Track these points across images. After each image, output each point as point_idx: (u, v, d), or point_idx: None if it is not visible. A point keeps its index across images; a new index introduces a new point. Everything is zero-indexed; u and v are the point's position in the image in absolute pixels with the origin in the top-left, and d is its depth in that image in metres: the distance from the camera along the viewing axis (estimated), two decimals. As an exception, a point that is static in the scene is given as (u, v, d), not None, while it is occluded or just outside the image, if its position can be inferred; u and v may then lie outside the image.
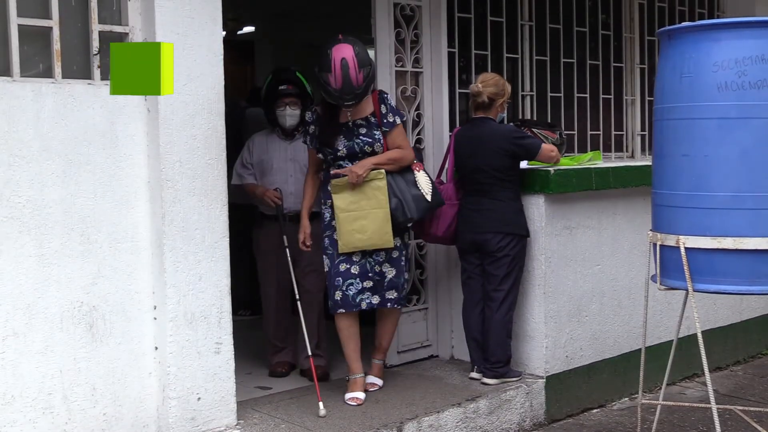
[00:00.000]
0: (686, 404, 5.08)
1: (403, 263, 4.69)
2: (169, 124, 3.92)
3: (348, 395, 4.64)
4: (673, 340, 4.27)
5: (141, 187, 3.94)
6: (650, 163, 4.12)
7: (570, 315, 5.14)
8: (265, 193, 5.11)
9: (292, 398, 4.75)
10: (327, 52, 4.37)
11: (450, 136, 5.13)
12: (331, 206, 4.55)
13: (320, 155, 4.62)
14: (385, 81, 5.21)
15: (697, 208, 3.71)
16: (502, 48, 5.91)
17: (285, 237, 5.01)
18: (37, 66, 3.75)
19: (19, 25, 3.65)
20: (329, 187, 4.57)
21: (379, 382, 4.86)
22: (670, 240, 3.79)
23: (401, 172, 4.59)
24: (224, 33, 4.23)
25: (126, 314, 3.91)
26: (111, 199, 3.85)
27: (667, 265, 3.86)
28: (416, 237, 5.31)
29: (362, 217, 4.49)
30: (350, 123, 4.55)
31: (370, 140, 4.54)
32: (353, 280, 4.55)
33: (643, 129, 6.94)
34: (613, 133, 6.78)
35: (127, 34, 3.93)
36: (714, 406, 3.76)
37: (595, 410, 5.30)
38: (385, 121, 4.56)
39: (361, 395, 4.64)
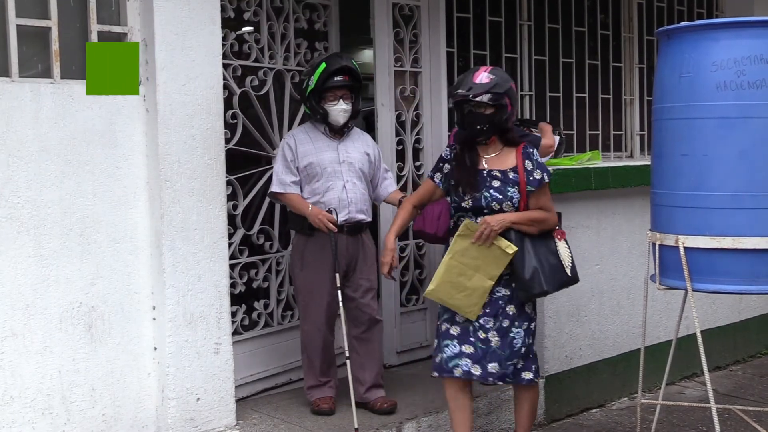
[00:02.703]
0: (686, 404, 5.08)
1: (516, 336, 3.97)
2: (167, 124, 3.91)
3: None
4: (672, 340, 4.27)
5: (140, 187, 3.94)
6: (649, 163, 4.12)
7: (569, 315, 5.14)
8: (319, 215, 4.37)
9: (292, 398, 4.75)
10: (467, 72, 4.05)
11: (449, 135, 5.13)
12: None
13: (448, 198, 4.09)
14: (384, 81, 5.21)
15: (697, 208, 3.71)
16: (500, 48, 5.91)
17: (338, 275, 4.39)
18: (35, 66, 3.75)
19: (17, 25, 3.64)
20: (452, 225, 4.07)
21: None
22: (670, 240, 3.79)
23: (542, 236, 3.97)
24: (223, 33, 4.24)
25: (125, 314, 3.91)
26: (110, 200, 3.85)
27: (666, 264, 3.86)
28: (415, 237, 5.31)
29: (467, 276, 3.92)
30: (485, 172, 3.98)
31: (501, 197, 3.91)
32: (450, 342, 3.97)
33: (642, 129, 6.95)
34: (612, 132, 6.79)
35: (125, 34, 3.92)
36: (713, 406, 3.76)
37: (594, 410, 5.29)
38: (531, 178, 3.95)
39: None
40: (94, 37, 3.84)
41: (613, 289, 5.40)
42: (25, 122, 3.61)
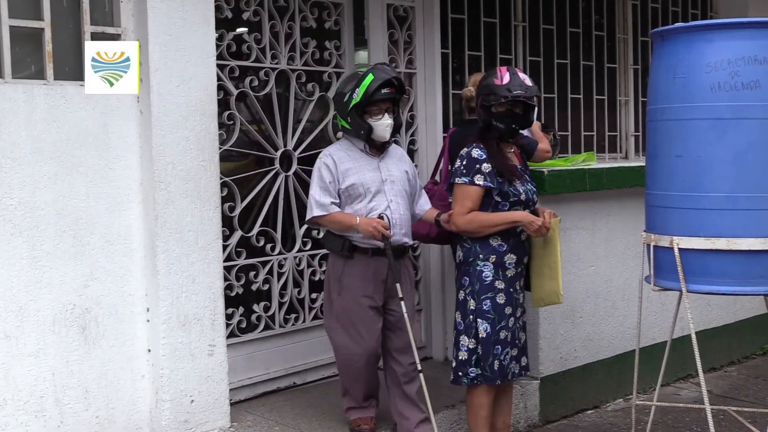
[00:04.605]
0: (680, 405, 5.08)
1: (525, 323, 4.25)
2: (161, 125, 3.90)
3: None
4: (667, 341, 4.27)
5: (134, 188, 3.93)
6: (644, 164, 4.13)
7: (564, 316, 5.13)
8: (371, 224, 3.99)
9: (286, 400, 4.74)
10: (492, 70, 4.10)
11: (444, 137, 5.12)
12: (495, 263, 4.00)
13: (498, 197, 3.99)
14: (379, 82, 5.19)
15: (691, 209, 3.71)
16: (495, 49, 5.91)
17: (398, 286, 4.06)
18: (29, 67, 3.74)
19: (10, 26, 3.63)
20: (522, 228, 4.00)
21: None
22: (664, 241, 3.79)
23: None
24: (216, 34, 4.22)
25: (119, 316, 3.90)
26: (104, 201, 3.84)
27: (660, 265, 3.86)
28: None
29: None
30: (519, 167, 4.14)
31: (535, 189, 4.17)
32: (508, 348, 4.06)
33: (636, 130, 6.95)
34: (607, 133, 6.80)
35: (119, 35, 3.92)
36: (708, 407, 3.76)
37: (589, 411, 5.30)
38: (531, 174, 4.26)
39: None
40: (87, 38, 3.82)
41: (608, 291, 5.40)
42: (19, 124, 3.59)
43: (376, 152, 4.18)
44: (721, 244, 3.63)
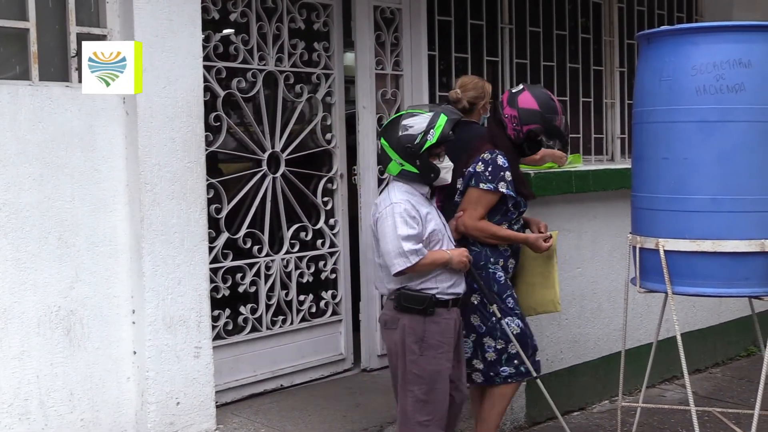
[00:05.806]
0: (666, 406, 5.09)
1: None
2: (147, 126, 3.89)
3: None
4: (652, 343, 4.28)
5: (119, 190, 3.92)
6: (630, 166, 4.14)
7: (550, 318, 5.13)
8: (462, 255, 3.75)
9: (273, 402, 4.73)
10: (550, 97, 4.05)
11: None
12: (503, 267, 4.03)
13: (512, 207, 4.02)
14: (365, 84, 5.20)
15: (677, 211, 3.73)
16: (482, 51, 5.92)
17: (495, 306, 3.97)
18: (13, 68, 3.73)
19: (-5, 26, 3.63)
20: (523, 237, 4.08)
21: None
22: (650, 243, 3.80)
23: None
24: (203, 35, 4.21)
25: (104, 318, 3.88)
26: (89, 203, 3.82)
27: (646, 267, 3.87)
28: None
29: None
30: None
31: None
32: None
33: (622, 132, 6.98)
34: (593, 136, 6.82)
35: (105, 36, 3.91)
36: (693, 408, 3.77)
37: (575, 413, 5.30)
38: None
39: None
40: (73, 39, 3.81)
41: (594, 293, 5.41)
42: (3, 125, 3.57)
43: (430, 198, 3.90)
44: (707, 246, 3.65)
